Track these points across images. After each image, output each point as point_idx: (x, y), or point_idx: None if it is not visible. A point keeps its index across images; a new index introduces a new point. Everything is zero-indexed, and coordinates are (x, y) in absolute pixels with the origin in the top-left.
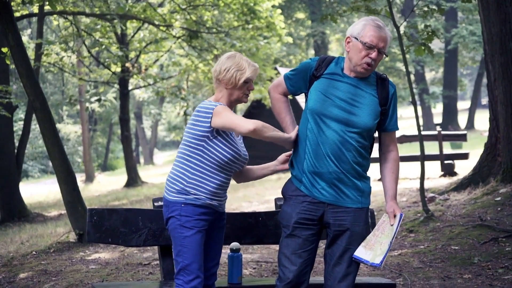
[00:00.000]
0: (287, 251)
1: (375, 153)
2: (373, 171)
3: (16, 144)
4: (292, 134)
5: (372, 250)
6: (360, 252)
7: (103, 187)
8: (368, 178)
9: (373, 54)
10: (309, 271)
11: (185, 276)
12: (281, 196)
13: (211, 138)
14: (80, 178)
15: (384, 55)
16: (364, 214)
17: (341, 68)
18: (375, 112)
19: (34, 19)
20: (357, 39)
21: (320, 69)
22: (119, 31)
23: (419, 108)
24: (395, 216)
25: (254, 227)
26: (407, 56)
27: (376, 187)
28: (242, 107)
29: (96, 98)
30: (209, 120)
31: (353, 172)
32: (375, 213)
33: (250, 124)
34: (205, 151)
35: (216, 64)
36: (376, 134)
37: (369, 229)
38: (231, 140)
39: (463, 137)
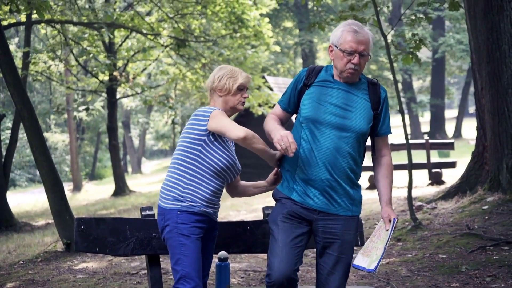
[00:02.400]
0: (274, 246)
1: (364, 162)
2: (362, 180)
3: (4, 153)
4: (278, 152)
5: (368, 257)
6: (359, 260)
7: (91, 196)
8: (359, 186)
9: (355, 60)
10: (298, 262)
11: (185, 285)
12: (269, 206)
13: (208, 143)
14: (67, 187)
15: (369, 57)
16: (354, 223)
17: (331, 74)
18: (368, 115)
19: (22, 27)
20: (337, 47)
21: (311, 78)
22: (106, 40)
23: (406, 117)
24: (390, 221)
25: (242, 236)
26: (395, 64)
27: (364, 196)
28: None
29: (84, 107)
30: (206, 123)
31: (346, 179)
32: (363, 222)
33: (241, 132)
34: (201, 156)
35: (209, 77)
36: (368, 142)
37: (357, 238)
38: (227, 147)
39: (450, 146)
